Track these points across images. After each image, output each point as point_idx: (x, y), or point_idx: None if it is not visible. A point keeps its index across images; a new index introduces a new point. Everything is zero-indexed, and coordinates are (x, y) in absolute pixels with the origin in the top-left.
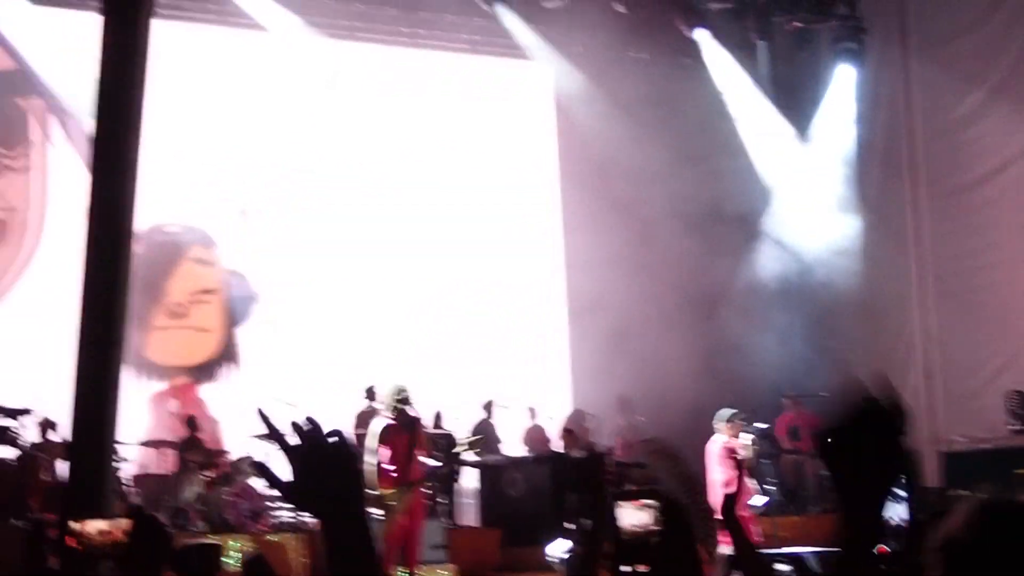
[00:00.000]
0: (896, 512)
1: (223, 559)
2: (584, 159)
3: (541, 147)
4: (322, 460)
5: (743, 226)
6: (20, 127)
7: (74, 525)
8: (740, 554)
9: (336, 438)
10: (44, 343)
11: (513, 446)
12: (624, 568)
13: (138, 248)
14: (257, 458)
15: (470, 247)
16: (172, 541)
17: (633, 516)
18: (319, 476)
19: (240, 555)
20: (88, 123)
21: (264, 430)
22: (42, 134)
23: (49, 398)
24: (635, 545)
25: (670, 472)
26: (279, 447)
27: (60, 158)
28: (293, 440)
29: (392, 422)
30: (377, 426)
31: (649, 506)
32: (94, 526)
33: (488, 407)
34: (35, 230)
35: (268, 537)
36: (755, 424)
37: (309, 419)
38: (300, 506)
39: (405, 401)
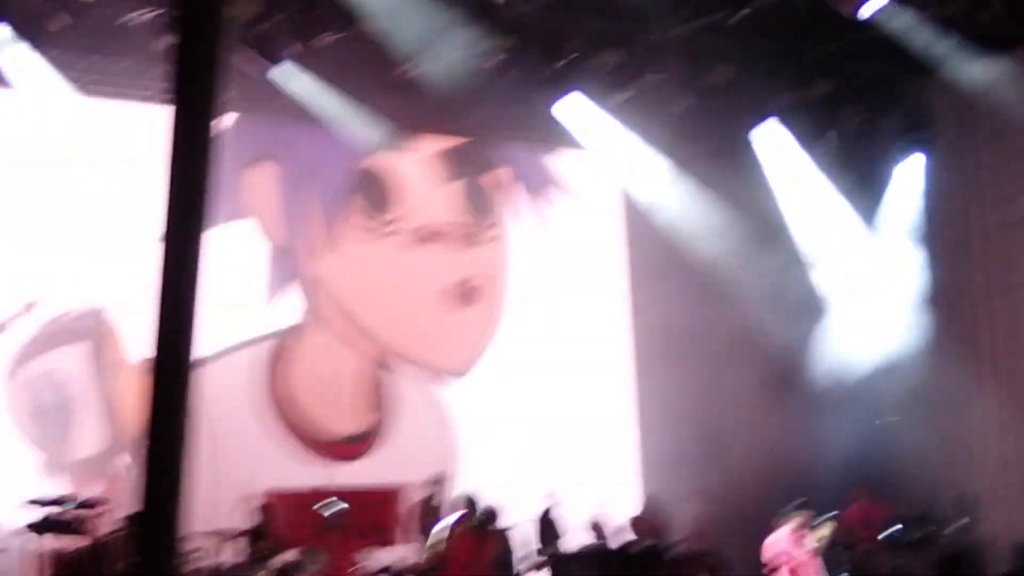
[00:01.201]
0: None
1: None
2: (652, 248)
3: (608, 238)
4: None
5: (813, 315)
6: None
7: None
8: None
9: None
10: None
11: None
12: None
13: None
14: None
15: (540, 336)
16: None
17: None
18: None
19: None
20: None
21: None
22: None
23: None
24: None
25: None
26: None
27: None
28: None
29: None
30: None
31: None
32: None
33: (548, 500)
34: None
35: None
36: (824, 516)
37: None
38: None
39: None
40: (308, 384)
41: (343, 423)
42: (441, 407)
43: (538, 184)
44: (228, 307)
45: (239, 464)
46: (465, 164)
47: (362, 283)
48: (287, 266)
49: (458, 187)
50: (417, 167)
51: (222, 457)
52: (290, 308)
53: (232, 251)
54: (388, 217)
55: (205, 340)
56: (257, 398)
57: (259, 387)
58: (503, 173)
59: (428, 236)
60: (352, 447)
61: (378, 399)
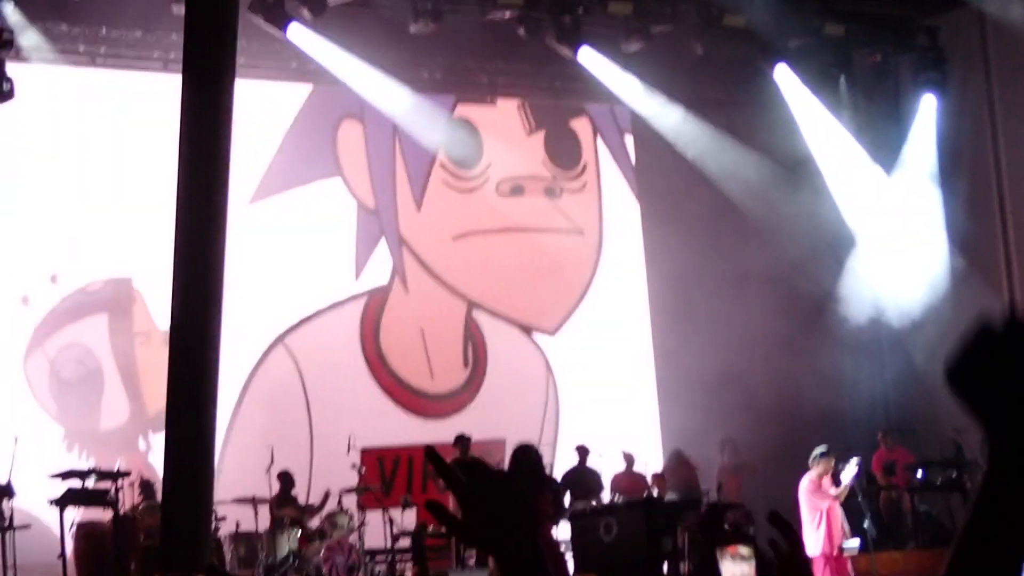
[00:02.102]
0: None
1: None
2: (664, 199)
3: (620, 190)
4: (495, 496)
5: (832, 263)
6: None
7: None
8: None
9: (503, 476)
10: None
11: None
12: None
13: None
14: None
15: (557, 291)
16: None
17: (732, 568)
18: (493, 512)
19: None
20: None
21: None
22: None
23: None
24: None
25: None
26: (449, 486)
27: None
28: (463, 479)
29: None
30: None
31: (743, 556)
32: None
33: (582, 452)
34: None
35: None
36: (850, 459)
37: (473, 460)
38: (475, 543)
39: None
40: (401, 342)
41: (438, 380)
42: (535, 361)
43: (613, 134)
44: (319, 268)
45: (337, 423)
46: (543, 118)
47: (449, 240)
48: (375, 224)
49: (539, 140)
50: (496, 122)
51: (320, 417)
52: (380, 267)
53: (321, 211)
54: (473, 172)
55: (293, 306)
56: (351, 358)
57: (353, 347)
58: (580, 124)
59: (513, 189)
60: (448, 403)
61: (471, 355)
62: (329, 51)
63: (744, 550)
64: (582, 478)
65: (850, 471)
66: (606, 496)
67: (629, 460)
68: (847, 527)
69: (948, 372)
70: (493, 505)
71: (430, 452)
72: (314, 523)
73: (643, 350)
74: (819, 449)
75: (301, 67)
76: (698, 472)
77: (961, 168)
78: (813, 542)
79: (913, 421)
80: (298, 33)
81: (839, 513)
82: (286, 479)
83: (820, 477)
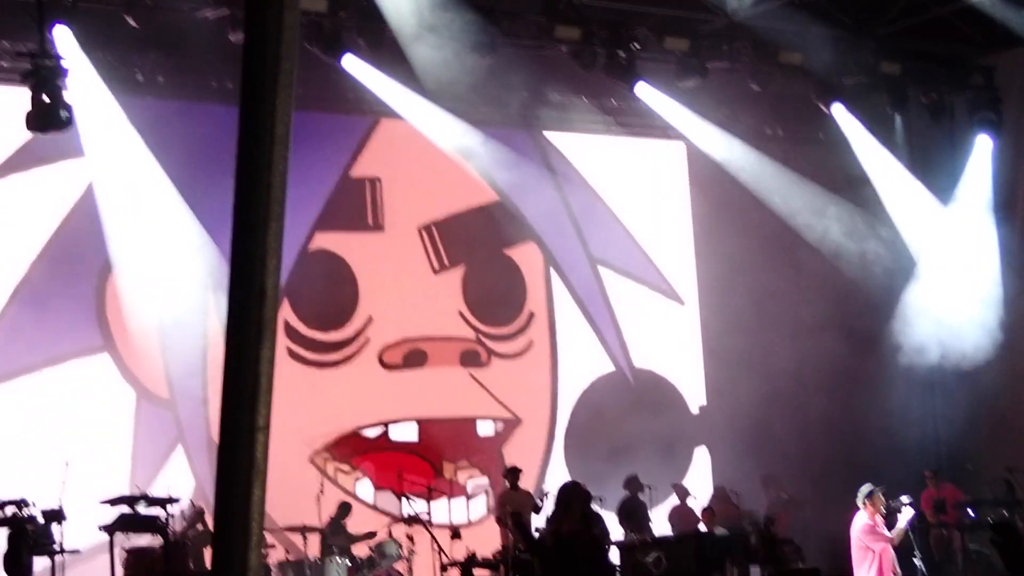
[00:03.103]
0: None
1: None
2: (720, 236)
3: (677, 224)
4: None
5: (888, 296)
6: None
7: None
8: None
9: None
10: None
11: (657, 524)
12: None
13: None
14: None
15: (574, 322)
16: None
17: None
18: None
19: None
20: None
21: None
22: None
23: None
24: None
25: None
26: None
27: None
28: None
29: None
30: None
31: None
32: None
33: (633, 485)
34: None
35: None
36: (899, 497)
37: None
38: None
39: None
40: None
41: None
42: None
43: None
44: None
45: None
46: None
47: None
48: None
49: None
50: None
51: None
52: None
53: None
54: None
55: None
56: None
57: None
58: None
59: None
60: None
61: None
62: (383, 82)
63: None
64: (635, 511)
65: (907, 514)
66: (655, 529)
67: (683, 494)
68: (898, 568)
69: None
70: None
71: (517, 520)
72: (363, 552)
73: (696, 385)
74: (867, 487)
75: (357, 98)
76: (741, 509)
77: (1016, 208)
78: None
79: (964, 459)
80: (353, 64)
81: (891, 554)
82: (343, 509)
83: (873, 516)
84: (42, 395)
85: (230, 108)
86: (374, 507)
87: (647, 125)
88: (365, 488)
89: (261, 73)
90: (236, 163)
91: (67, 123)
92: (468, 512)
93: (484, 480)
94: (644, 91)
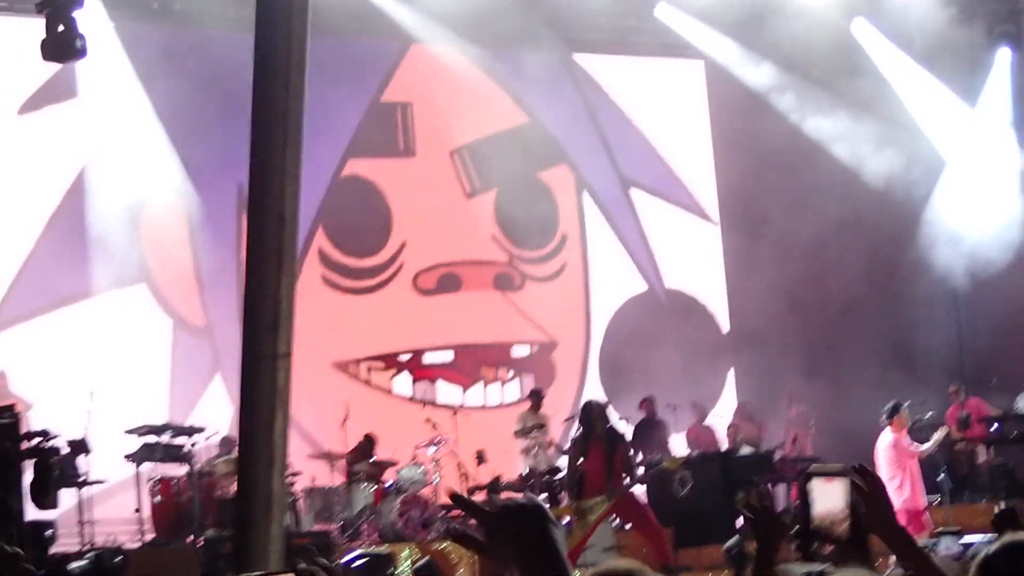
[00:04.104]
0: None
1: (394, 568)
2: (741, 151)
3: (696, 143)
4: (518, 526)
5: (911, 211)
6: None
7: None
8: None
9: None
10: None
11: (680, 445)
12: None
13: None
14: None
15: (606, 243)
16: None
17: (827, 497)
18: (516, 540)
19: (411, 564)
20: None
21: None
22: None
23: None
24: (825, 525)
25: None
26: (477, 519)
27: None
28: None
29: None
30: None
31: (835, 490)
32: None
33: (649, 404)
34: None
35: (438, 546)
36: (925, 415)
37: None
38: (502, 562)
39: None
40: None
41: None
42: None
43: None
44: None
45: None
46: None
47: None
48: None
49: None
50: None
51: None
52: None
53: None
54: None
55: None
56: None
57: None
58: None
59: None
60: None
61: None
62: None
63: (836, 485)
64: (651, 431)
65: (940, 433)
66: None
67: (701, 412)
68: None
69: None
70: (517, 535)
71: (456, 497)
72: (389, 478)
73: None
74: (891, 404)
75: (388, 24)
76: (762, 427)
77: None
78: (897, 500)
79: (990, 373)
80: None
81: (918, 470)
82: (368, 441)
83: (899, 433)
84: (80, 327)
85: (247, 37)
86: (412, 399)
87: (666, 43)
88: (403, 381)
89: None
90: (253, 89)
91: (82, 52)
92: (503, 395)
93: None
94: (664, 10)
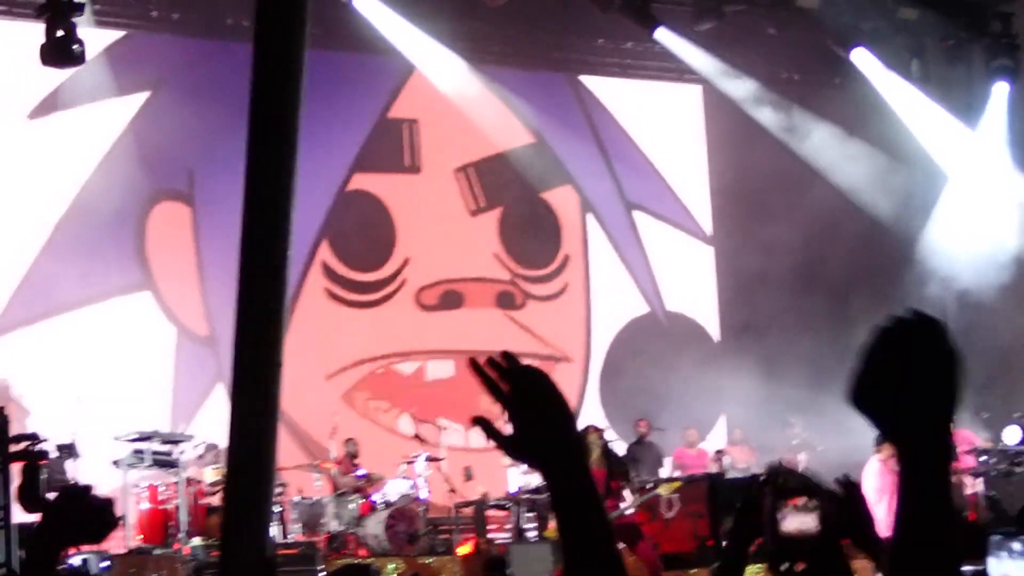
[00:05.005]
0: None
1: None
2: (735, 179)
3: (692, 168)
4: (539, 408)
5: (903, 239)
6: None
7: None
8: None
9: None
10: None
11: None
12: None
13: None
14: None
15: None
16: None
17: (795, 520)
18: (539, 423)
19: None
20: None
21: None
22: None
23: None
24: (795, 544)
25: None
26: (496, 398)
27: None
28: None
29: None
30: None
31: (807, 508)
32: None
33: (642, 427)
34: None
35: (424, 560)
36: None
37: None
38: (523, 456)
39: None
40: None
41: None
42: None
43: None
44: None
45: None
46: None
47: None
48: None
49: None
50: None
51: None
52: None
53: None
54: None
55: None
56: None
57: None
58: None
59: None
60: None
61: None
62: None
63: (808, 502)
64: (642, 453)
65: None
66: (664, 472)
67: (691, 437)
68: None
69: (851, 393)
70: (538, 413)
71: (473, 362)
72: (377, 491)
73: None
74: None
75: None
76: (753, 451)
77: None
78: (888, 520)
79: (979, 406)
80: (364, 2)
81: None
82: (351, 446)
83: (886, 461)
84: (83, 333)
85: (245, 45)
86: (417, 437)
87: (664, 69)
88: (407, 423)
89: (275, 8)
90: (249, 99)
91: (80, 58)
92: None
93: None
94: (662, 35)
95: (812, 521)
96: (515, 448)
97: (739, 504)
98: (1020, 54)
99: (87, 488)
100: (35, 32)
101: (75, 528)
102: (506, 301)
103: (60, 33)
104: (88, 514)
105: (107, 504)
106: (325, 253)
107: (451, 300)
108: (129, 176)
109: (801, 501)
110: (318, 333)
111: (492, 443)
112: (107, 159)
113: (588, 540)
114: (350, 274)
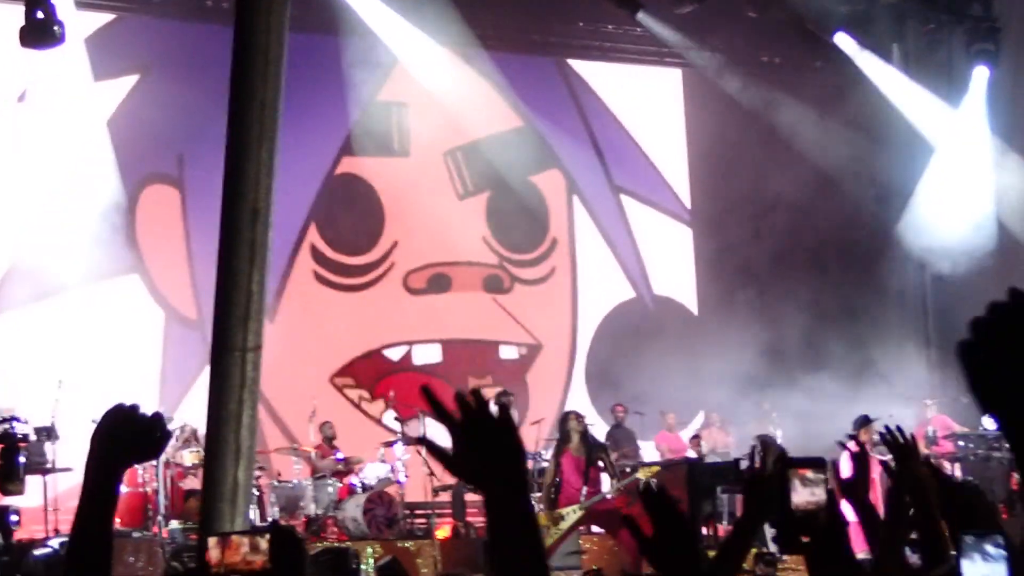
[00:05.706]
0: None
1: (358, 565)
2: (714, 162)
3: (671, 151)
4: (484, 432)
5: (882, 221)
6: None
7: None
8: None
9: (496, 411)
10: None
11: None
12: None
13: None
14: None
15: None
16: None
17: (803, 492)
18: (482, 447)
19: (375, 561)
20: None
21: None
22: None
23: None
24: (806, 518)
25: None
26: (442, 421)
27: None
28: (456, 415)
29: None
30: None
31: (814, 480)
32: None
33: (619, 412)
34: None
35: (402, 543)
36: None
37: (473, 393)
38: (464, 477)
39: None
40: None
41: None
42: None
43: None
44: None
45: None
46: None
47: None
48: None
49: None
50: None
51: None
52: None
53: None
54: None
55: None
56: None
57: None
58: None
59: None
60: None
61: None
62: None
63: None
64: (619, 438)
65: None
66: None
67: (671, 421)
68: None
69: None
70: (484, 441)
71: (426, 391)
72: (355, 475)
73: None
74: (862, 416)
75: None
76: (729, 436)
77: (1013, 140)
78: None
79: (959, 390)
80: None
81: (880, 481)
82: (328, 430)
83: (866, 446)
84: (72, 316)
85: (226, 27)
86: (401, 434)
87: (645, 52)
88: (391, 417)
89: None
90: (230, 81)
91: (59, 39)
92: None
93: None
94: (643, 18)
95: (821, 492)
96: (454, 469)
97: (747, 476)
98: (1000, 38)
99: (134, 407)
100: (19, 15)
101: (128, 448)
102: (494, 285)
103: (39, 15)
104: (139, 432)
105: (157, 419)
106: (313, 236)
107: (439, 283)
108: (118, 160)
109: (810, 472)
110: (306, 316)
111: (435, 460)
112: (96, 143)
113: (516, 570)
114: (338, 257)
